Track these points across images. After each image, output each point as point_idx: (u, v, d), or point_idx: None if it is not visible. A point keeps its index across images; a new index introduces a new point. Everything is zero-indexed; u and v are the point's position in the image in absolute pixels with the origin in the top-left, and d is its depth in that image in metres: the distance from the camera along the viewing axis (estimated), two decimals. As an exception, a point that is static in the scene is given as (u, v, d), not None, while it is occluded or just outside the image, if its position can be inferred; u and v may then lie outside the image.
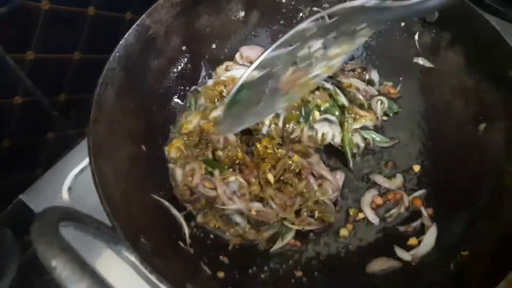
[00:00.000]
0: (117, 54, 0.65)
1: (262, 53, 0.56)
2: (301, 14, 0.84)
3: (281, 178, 0.69)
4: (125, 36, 0.67)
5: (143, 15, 0.69)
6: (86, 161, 0.87)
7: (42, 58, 0.81)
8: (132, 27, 0.68)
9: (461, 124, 0.72)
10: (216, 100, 0.78)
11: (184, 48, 0.79)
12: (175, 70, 0.78)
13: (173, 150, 0.72)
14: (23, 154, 0.88)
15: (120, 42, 0.66)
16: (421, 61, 0.80)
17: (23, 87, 0.81)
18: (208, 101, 0.78)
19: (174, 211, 0.66)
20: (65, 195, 0.84)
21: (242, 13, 0.82)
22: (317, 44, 0.57)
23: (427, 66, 0.80)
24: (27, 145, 0.88)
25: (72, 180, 0.85)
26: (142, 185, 0.63)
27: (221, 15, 0.81)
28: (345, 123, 0.75)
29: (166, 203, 0.66)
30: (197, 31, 0.79)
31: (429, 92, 0.79)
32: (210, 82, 0.81)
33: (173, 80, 0.78)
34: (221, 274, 0.62)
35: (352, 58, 0.86)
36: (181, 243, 0.63)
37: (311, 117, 0.75)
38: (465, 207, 0.65)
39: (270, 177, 0.67)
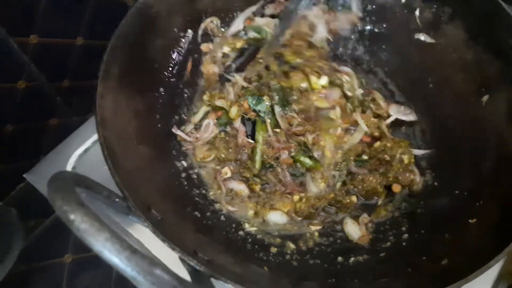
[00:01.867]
0: (120, 32, 0.65)
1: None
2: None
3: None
4: (128, 14, 0.67)
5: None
6: (89, 141, 0.88)
7: (45, 42, 0.82)
8: (135, 5, 0.68)
9: (463, 98, 0.73)
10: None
11: (186, 28, 0.79)
12: (178, 49, 0.79)
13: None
14: (26, 140, 0.89)
15: (123, 20, 0.66)
16: (422, 37, 0.80)
17: (27, 72, 0.81)
18: None
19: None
20: (69, 174, 0.85)
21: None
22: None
23: (428, 42, 0.80)
24: (30, 130, 0.89)
25: (76, 160, 0.86)
26: (150, 163, 0.64)
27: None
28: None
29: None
30: (199, 11, 0.79)
31: (431, 68, 0.79)
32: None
33: (178, 60, 0.79)
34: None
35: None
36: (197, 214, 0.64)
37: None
38: (469, 177, 0.66)
39: None
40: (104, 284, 1.02)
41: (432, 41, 0.79)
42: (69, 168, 0.85)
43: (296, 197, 0.69)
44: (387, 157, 0.71)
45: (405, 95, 0.83)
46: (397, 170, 0.70)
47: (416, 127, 0.80)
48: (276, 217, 0.69)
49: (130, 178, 0.55)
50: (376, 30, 0.85)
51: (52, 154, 0.87)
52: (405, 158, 0.70)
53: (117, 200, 0.48)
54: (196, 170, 0.73)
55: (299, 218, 0.69)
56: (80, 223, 0.31)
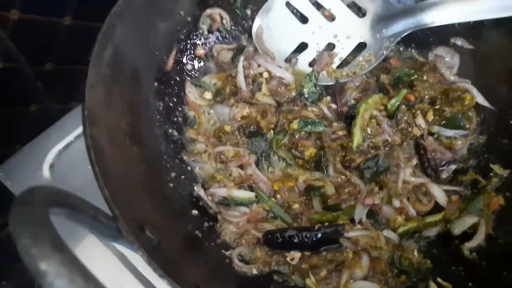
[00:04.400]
0: (119, 8, 0.53)
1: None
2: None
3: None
4: (129, -12, 0.55)
5: (151, -33, 0.58)
6: (71, 136, 0.77)
7: (28, 19, 0.73)
8: (138, -21, 0.56)
9: (505, 114, 0.64)
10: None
11: (194, 12, 0.68)
12: (183, 37, 0.67)
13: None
14: (2, 127, 0.81)
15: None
16: (459, 42, 0.71)
17: (4, 51, 0.73)
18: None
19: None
20: (46, 172, 0.74)
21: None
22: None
23: (466, 48, 0.71)
24: (6, 116, 0.80)
25: (55, 157, 0.75)
26: (146, 166, 0.52)
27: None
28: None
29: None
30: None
31: (469, 76, 0.70)
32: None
33: (182, 48, 0.67)
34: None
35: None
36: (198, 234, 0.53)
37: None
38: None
39: None
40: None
41: (471, 47, 0.70)
42: (46, 165, 0.74)
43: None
44: None
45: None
46: None
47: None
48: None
49: (121, 190, 0.44)
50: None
51: (27, 148, 0.75)
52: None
53: (104, 221, 0.37)
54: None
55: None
56: (56, 277, 0.20)
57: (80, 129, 0.78)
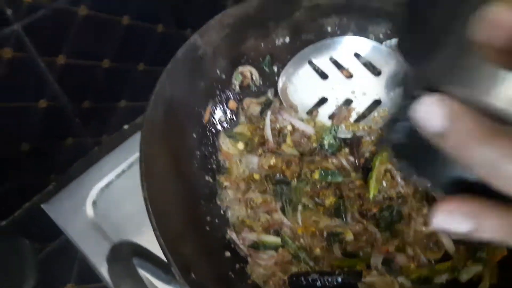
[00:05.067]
0: (168, 71, 0.62)
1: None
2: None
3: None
4: (177, 52, 0.64)
5: (194, 34, 0.67)
6: (111, 174, 0.86)
7: (72, 63, 0.81)
8: (184, 45, 0.65)
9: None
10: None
11: (228, 70, 0.76)
12: (218, 92, 0.76)
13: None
14: (39, 158, 0.87)
15: (171, 60, 0.63)
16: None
17: (50, 91, 0.81)
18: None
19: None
20: (89, 209, 0.82)
21: (287, 39, 0.80)
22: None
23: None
24: (45, 149, 0.87)
25: (97, 194, 0.83)
26: (188, 212, 0.60)
27: (267, 40, 0.78)
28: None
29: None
30: (242, 53, 0.77)
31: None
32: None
33: (217, 102, 0.76)
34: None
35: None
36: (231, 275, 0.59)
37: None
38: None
39: None
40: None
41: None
42: (89, 202, 0.82)
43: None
44: None
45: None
46: None
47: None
48: None
49: (171, 236, 0.51)
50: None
51: (73, 185, 0.83)
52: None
53: (159, 268, 0.44)
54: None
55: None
56: None
57: (119, 169, 0.87)
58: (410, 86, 0.27)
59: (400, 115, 0.29)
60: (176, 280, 0.46)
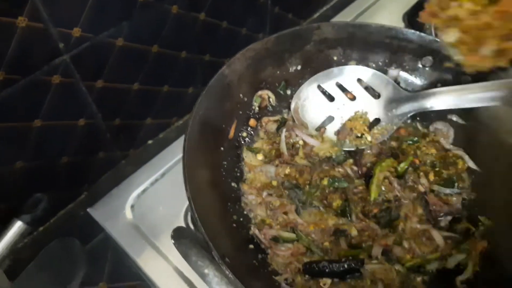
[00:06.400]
0: (204, 97, 0.77)
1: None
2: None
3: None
4: (210, 82, 0.79)
5: (224, 66, 0.81)
6: (147, 183, 0.99)
7: (108, 86, 0.90)
8: (215, 76, 0.80)
9: (491, 174, 0.82)
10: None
11: (249, 93, 0.91)
12: (241, 112, 0.90)
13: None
14: (76, 170, 0.96)
15: (206, 87, 0.78)
16: (454, 117, 0.91)
17: (88, 111, 0.89)
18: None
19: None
20: (128, 212, 0.95)
21: (299, 67, 0.94)
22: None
23: (459, 123, 0.91)
24: (80, 163, 0.96)
25: (135, 199, 0.96)
26: (219, 211, 0.73)
27: (282, 68, 0.93)
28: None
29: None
30: (261, 80, 0.91)
31: (462, 145, 0.89)
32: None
33: (240, 120, 0.90)
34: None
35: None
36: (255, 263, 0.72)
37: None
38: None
39: None
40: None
41: (463, 122, 0.90)
42: (128, 206, 0.95)
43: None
44: None
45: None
46: None
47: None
48: None
49: (208, 228, 0.64)
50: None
51: (114, 191, 0.97)
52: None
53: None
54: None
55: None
56: (213, 277, 0.40)
57: (153, 178, 1.00)
58: None
59: None
60: (216, 261, 0.58)
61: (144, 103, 1.05)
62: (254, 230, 0.78)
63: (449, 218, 0.81)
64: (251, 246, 0.76)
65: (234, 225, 0.77)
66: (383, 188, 0.82)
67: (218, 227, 0.70)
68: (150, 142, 1.08)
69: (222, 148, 0.84)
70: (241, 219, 0.80)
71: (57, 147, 0.88)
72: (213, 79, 0.78)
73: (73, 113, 0.87)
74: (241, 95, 0.89)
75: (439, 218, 0.81)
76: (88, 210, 0.96)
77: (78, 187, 0.98)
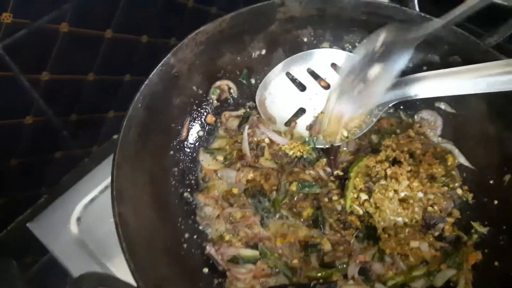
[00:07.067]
0: (142, 94, 0.63)
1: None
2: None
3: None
4: (150, 75, 0.65)
5: (168, 54, 0.68)
6: (95, 190, 0.87)
7: (57, 79, 0.82)
8: (157, 67, 0.66)
9: (485, 174, 0.72)
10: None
11: (205, 85, 0.77)
12: (195, 107, 0.77)
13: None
14: (30, 173, 0.88)
15: (145, 82, 0.65)
16: (443, 105, 0.79)
17: (35, 107, 0.82)
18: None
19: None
20: (73, 226, 0.83)
21: (264, 51, 0.81)
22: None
23: (448, 111, 0.79)
24: (33, 164, 0.88)
25: (81, 210, 0.84)
26: (164, 231, 0.61)
27: (243, 53, 0.79)
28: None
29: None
30: (219, 68, 0.78)
31: (451, 137, 0.78)
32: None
33: (194, 117, 0.77)
34: None
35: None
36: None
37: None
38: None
39: None
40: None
41: (453, 111, 0.78)
42: (73, 219, 0.83)
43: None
44: None
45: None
46: None
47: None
48: None
49: (144, 257, 0.53)
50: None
51: (56, 202, 0.84)
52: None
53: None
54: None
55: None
56: None
57: (103, 185, 0.88)
58: None
59: None
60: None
61: (104, 95, 0.97)
62: (209, 250, 0.66)
63: (441, 226, 0.70)
64: (206, 270, 0.65)
65: (185, 245, 0.65)
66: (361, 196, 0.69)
67: (159, 253, 0.58)
68: (115, 136, 0.97)
69: (171, 152, 0.72)
70: (195, 236, 0.68)
71: (3, 148, 0.80)
72: (153, 71, 0.65)
73: (17, 111, 0.79)
74: (194, 87, 0.76)
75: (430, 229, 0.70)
76: (28, 225, 0.84)
77: (36, 190, 0.91)
